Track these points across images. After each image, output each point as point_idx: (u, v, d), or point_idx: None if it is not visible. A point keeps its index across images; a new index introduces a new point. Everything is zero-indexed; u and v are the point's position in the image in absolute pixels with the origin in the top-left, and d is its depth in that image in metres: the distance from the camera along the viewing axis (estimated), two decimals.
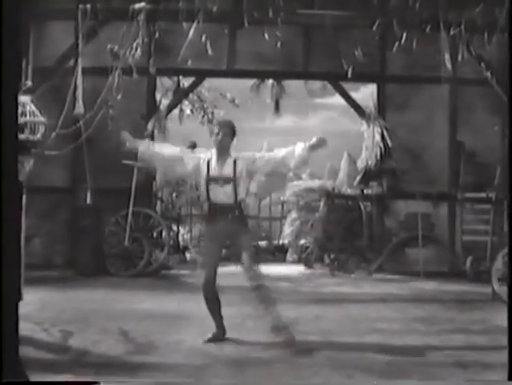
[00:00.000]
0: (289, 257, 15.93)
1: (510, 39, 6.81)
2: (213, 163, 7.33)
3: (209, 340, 7.31)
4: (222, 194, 7.28)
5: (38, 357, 6.66)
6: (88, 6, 10.43)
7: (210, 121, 17.99)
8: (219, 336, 7.41)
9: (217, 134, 7.34)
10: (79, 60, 10.61)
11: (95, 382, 5.56)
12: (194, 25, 10.54)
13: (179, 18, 10.53)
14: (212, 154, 7.39)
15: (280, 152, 7.42)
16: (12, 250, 5.24)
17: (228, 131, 7.38)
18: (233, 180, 7.27)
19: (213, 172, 7.30)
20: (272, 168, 7.48)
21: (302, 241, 15.42)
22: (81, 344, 7.16)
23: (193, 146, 17.01)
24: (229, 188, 7.27)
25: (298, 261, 15.24)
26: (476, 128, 13.31)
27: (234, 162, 7.32)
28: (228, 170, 7.30)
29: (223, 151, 7.34)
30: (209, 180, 7.28)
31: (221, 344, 7.22)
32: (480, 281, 11.81)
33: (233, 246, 7.50)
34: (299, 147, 7.38)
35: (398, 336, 7.82)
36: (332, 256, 14.15)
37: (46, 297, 10.00)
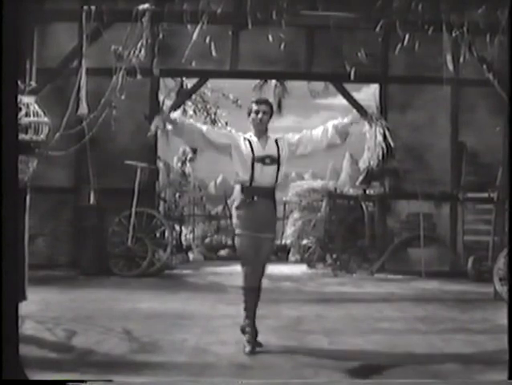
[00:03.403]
0: (291, 256, 15.98)
1: (511, 40, 6.85)
2: (255, 142, 7.07)
3: (251, 351, 6.98)
4: (266, 175, 7.02)
5: (42, 356, 6.70)
6: (93, 7, 10.46)
7: (213, 121, 18.05)
8: (254, 341, 7.10)
9: (257, 112, 7.08)
10: (83, 61, 10.62)
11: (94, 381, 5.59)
12: (198, 26, 10.55)
13: (183, 20, 10.55)
14: (250, 134, 7.15)
15: (316, 132, 7.24)
16: (12, 250, 5.27)
17: (267, 109, 7.12)
18: (277, 161, 7.03)
19: (258, 150, 7.03)
20: (312, 148, 7.25)
21: (305, 241, 15.46)
22: (85, 343, 7.20)
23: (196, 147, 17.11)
24: (273, 169, 7.02)
25: (301, 260, 15.28)
26: (478, 129, 13.34)
27: (276, 142, 7.10)
28: (272, 150, 7.05)
29: (262, 131, 7.11)
30: (255, 159, 6.98)
31: (224, 345, 7.25)
32: (482, 281, 11.85)
33: (261, 233, 7.08)
34: (331, 125, 7.29)
35: (400, 335, 7.86)
36: (334, 256, 14.19)
37: (49, 296, 10.03)
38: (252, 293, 7.10)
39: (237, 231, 7.09)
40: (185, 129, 7.34)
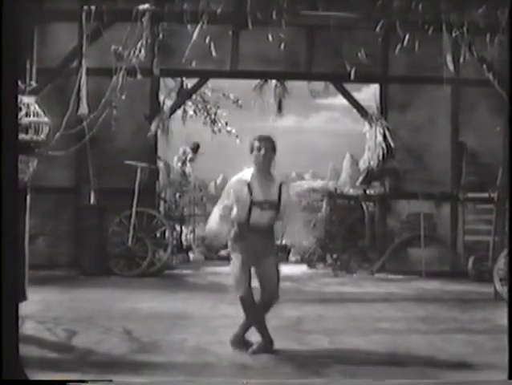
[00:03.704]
0: (291, 256, 15.97)
1: (511, 40, 6.85)
2: (256, 185, 6.89)
3: (254, 351, 6.96)
4: (263, 218, 6.91)
5: (42, 356, 6.70)
6: (93, 7, 10.46)
7: (213, 122, 18.04)
8: (266, 347, 7.01)
9: (259, 149, 6.86)
10: (84, 61, 10.63)
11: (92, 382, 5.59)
12: (198, 26, 10.56)
13: (183, 20, 10.55)
14: (252, 173, 6.93)
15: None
16: (12, 250, 5.27)
17: (271, 148, 6.90)
18: (277, 206, 6.90)
19: (258, 195, 6.86)
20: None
21: (305, 242, 15.45)
22: (85, 343, 7.20)
23: (196, 147, 17.14)
24: (271, 212, 6.92)
25: (301, 260, 15.27)
26: (478, 129, 13.34)
27: (280, 187, 6.95)
28: (272, 196, 6.91)
29: (265, 170, 6.91)
30: (253, 204, 6.85)
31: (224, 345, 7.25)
32: (482, 281, 11.85)
33: (260, 258, 7.02)
34: None
35: (400, 335, 7.86)
36: (335, 256, 14.19)
37: (49, 296, 10.04)
38: (253, 308, 7.09)
39: (232, 257, 7.07)
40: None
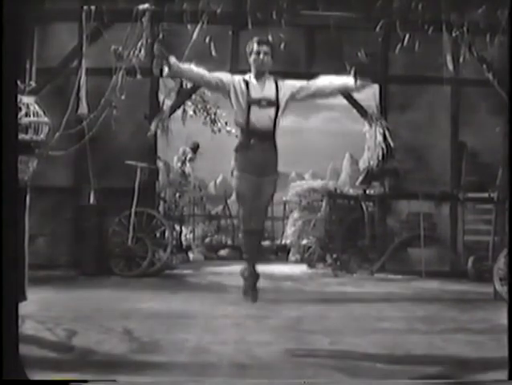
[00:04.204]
0: (291, 256, 15.98)
1: (511, 40, 6.86)
2: (253, 84, 6.93)
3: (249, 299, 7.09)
4: (262, 118, 6.89)
5: (42, 356, 6.70)
6: (93, 7, 10.47)
7: (213, 122, 18.05)
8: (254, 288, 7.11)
9: (258, 53, 6.94)
10: (83, 61, 10.65)
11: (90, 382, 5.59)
12: (198, 26, 10.57)
13: (183, 20, 10.56)
14: (249, 74, 7.03)
15: (323, 81, 7.22)
16: (12, 250, 5.27)
17: (269, 50, 6.98)
18: (275, 103, 6.91)
19: (254, 93, 6.90)
20: (316, 89, 7.18)
21: (305, 241, 15.46)
22: (85, 343, 7.19)
23: (196, 147, 17.15)
24: (270, 111, 6.90)
25: (301, 260, 15.28)
26: (478, 129, 13.34)
27: (276, 83, 6.99)
28: (270, 92, 6.93)
29: (262, 73, 6.97)
30: (251, 101, 6.86)
31: (225, 345, 7.26)
32: (482, 281, 11.84)
33: (260, 177, 6.99)
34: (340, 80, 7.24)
35: (400, 335, 7.86)
36: (334, 256, 14.18)
37: (49, 296, 10.03)
38: (251, 235, 7.07)
39: (235, 173, 7.05)
40: (183, 71, 7.53)
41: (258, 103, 6.88)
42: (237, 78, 7.06)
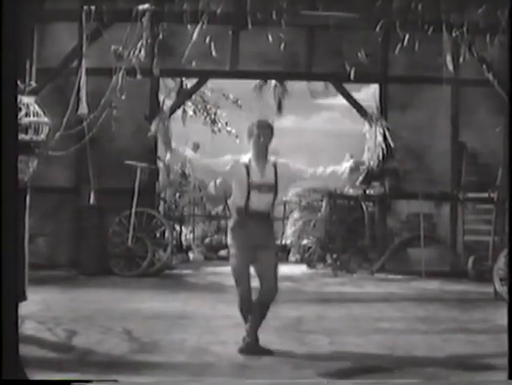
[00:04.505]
0: (291, 256, 15.96)
1: (511, 41, 6.85)
2: (253, 168, 6.98)
3: (242, 350, 6.96)
4: (262, 202, 6.97)
5: (43, 356, 6.71)
6: (92, 7, 10.45)
7: (213, 122, 18.05)
8: (252, 345, 7.00)
9: (259, 136, 6.97)
10: (83, 61, 10.62)
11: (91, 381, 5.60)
12: (198, 26, 10.55)
13: (183, 20, 10.55)
14: (250, 157, 7.04)
15: (326, 171, 7.21)
16: (12, 250, 5.27)
17: (268, 134, 7.04)
18: (274, 188, 6.98)
19: (255, 178, 6.95)
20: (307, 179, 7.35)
21: (305, 241, 15.45)
22: (85, 343, 7.20)
23: (196, 147, 17.15)
24: (269, 196, 6.99)
25: (301, 260, 15.26)
26: (478, 129, 13.34)
27: (275, 167, 7.02)
28: (270, 176, 6.98)
29: (263, 155, 7.01)
30: (252, 186, 6.93)
31: (224, 345, 7.26)
32: (482, 281, 11.85)
33: (259, 251, 7.02)
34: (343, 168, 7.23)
35: (400, 335, 7.87)
36: (334, 256, 14.19)
37: (49, 296, 10.05)
38: (247, 312, 7.10)
39: (232, 251, 7.12)
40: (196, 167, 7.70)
41: (259, 188, 6.95)
42: (239, 163, 7.04)
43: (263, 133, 7.01)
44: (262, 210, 7.01)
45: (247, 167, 6.98)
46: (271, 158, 7.09)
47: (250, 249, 6.98)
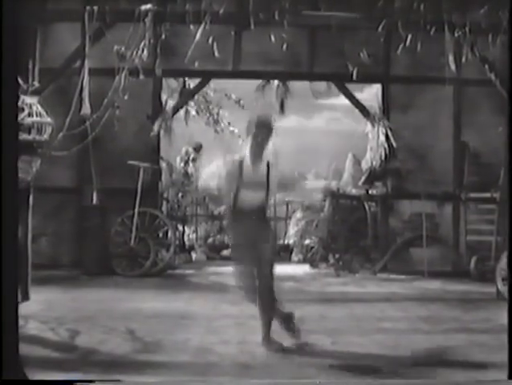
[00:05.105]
0: (294, 256, 15.96)
1: (511, 41, 6.86)
2: (247, 166, 6.98)
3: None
4: (253, 198, 6.97)
5: (46, 355, 6.72)
6: (95, 7, 10.47)
7: (216, 122, 18.04)
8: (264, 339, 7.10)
9: (256, 135, 6.96)
10: (86, 61, 10.64)
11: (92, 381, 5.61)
12: (201, 27, 10.57)
13: (186, 20, 10.56)
14: (246, 155, 7.03)
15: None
16: (12, 250, 5.28)
17: (267, 133, 6.98)
18: (266, 186, 6.98)
19: (247, 175, 6.96)
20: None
21: (307, 241, 15.45)
22: (88, 343, 7.21)
23: (199, 147, 17.16)
24: (262, 194, 7.01)
25: (304, 260, 15.26)
26: (480, 129, 13.34)
27: (268, 165, 7.01)
28: (261, 175, 6.98)
29: (259, 154, 6.99)
30: (243, 184, 6.94)
31: (227, 345, 7.27)
32: (484, 281, 11.83)
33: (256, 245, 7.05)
34: None
35: (403, 335, 7.87)
36: (337, 256, 14.19)
37: (52, 296, 10.06)
38: (253, 295, 7.11)
39: (231, 242, 7.18)
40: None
41: (250, 186, 6.94)
42: (233, 160, 7.05)
43: (261, 132, 6.98)
44: (255, 207, 7.00)
45: (241, 164, 6.98)
46: (266, 156, 7.06)
47: (248, 242, 6.98)
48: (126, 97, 11.08)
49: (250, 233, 6.99)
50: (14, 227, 5.36)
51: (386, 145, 13.62)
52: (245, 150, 7.09)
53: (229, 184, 7.05)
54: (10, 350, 5.16)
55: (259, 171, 7.00)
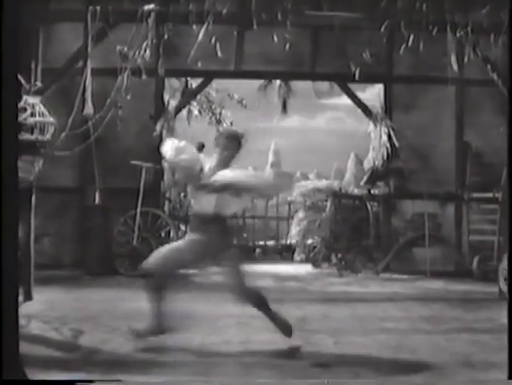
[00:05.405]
0: (296, 256, 15.97)
1: (511, 41, 6.87)
2: (208, 170, 6.84)
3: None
4: (205, 203, 6.80)
5: (49, 355, 6.73)
6: (98, 7, 10.49)
7: (218, 122, 18.04)
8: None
9: (226, 149, 6.84)
10: (89, 61, 10.67)
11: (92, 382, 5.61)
12: (203, 27, 10.59)
13: (188, 20, 10.58)
14: (212, 162, 6.91)
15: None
16: (12, 250, 5.29)
17: (235, 147, 6.88)
18: (220, 190, 6.72)
19: (206, 179, 6.79)
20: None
21: (310, 241, 15.46)
22: (91, 342, 7.22)
23: (201, 147, 17.15)
24: (212, 198, 6.76)
25: (306, 260, 15.27)
26: (482, 129, 13.33)
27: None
28: (220, 177, 6.75)
29: (224, 166, 6.87)
30: (200, 186, 6.79)
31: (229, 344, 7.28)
32: (486, 281, 11.83)
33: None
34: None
35: (405, 335, 7.87)
36: (339, 255, 14.19)
37: (55, 296, 10.07)
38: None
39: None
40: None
41: (204, 188, 6.77)
42: (196, 160, 6.92)
43: (229, 146, 6.87)
44: (206, 213, 6.84)
45: (202, 168, 6.86)
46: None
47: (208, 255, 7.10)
48: (128, 97, 11.10)
49: (211, 247, 6.96)
50: (15, 227, 5.36)
51: (388, 145, 13.63)
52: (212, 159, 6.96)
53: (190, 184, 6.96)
54: (10, 349, 5.16)
55: (216, 176, 6.79)
